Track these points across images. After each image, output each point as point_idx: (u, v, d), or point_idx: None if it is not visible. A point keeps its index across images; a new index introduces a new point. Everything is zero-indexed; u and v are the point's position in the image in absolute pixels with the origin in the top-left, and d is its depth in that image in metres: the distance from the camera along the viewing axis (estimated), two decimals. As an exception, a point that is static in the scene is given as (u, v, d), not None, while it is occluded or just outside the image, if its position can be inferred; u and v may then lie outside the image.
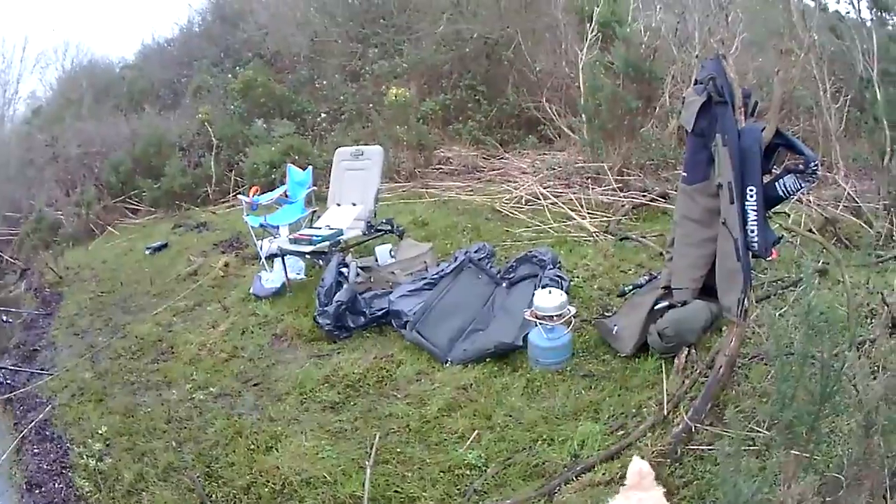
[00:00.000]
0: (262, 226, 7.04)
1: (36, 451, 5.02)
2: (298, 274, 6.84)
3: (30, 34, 20.03)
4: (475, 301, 5.51)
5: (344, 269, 5.93)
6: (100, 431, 4.85)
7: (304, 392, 4.89)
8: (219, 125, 12.20)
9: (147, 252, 9.23)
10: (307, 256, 6.52)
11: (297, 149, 10.52)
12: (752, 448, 3.26)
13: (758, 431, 3.38)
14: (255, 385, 5.17)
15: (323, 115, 12.14)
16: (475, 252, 5.94)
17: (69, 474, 4.61)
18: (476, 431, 4.12)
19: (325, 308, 5.60)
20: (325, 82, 12.74)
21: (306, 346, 5.63)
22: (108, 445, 4.73)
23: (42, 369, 6.42)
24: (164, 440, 4.64)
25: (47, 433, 5.20)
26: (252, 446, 4.33)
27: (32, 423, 5.34)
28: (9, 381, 6.38)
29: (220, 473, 4.17)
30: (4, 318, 8.83)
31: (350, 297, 5.62)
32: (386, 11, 12.90)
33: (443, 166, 10.32)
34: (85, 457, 4.61)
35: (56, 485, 4.57)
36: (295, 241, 6.40)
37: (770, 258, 4.38)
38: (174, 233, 9.94)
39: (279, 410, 4.72)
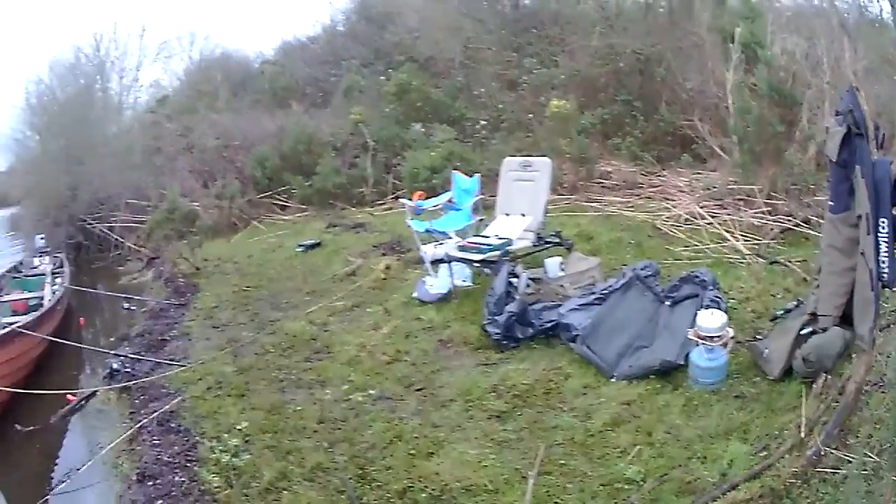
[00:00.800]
0: (427, 231, 7.08)
1: (156, 441, 4.84)
2: (465, 281, 6.85)
3: (147, 23, 20.22)
4: (641, 318, 5.47)
5: (514, 280, 5.90)
6: (239, 427, 4.72)
7: (469, 399, 4.84)
8: (373, 127, 12.26)
9: (298, 249, 9.35)
10: (475, 264, 6.51)
11: (459, 155, 10.58)
12: (865, 472, 3.27)
13: (870, 457, 3.37)
14: (418, 390, 5.12)
15: (482, 122, 12.07)
16: (642, 269, 5.95)
17: (195, 468, 4.41)
18: (637, 447, 4.10)
19: (496, 317, 5.63)
20: (483, 90, 12.72)
21: (473, 354, 5.59)
22: (247, 441, 4.57)
23: (172, 359, 6.26)
24: (313, 440, 4.55)
25: (172, 425, 5.02)
26: (412, 451, 4.28)
27: (155, 414, 5.17)
28: (128, 370, 6.24)
29: (374, 476, 4.10)
30: (126, 304, 8.91)
31: (521, 308, 5.64)
32: (537, 22, 12.95)
33: (603, 180, 10.27)
34: (217, 451, 4.47)
35: (176, 478, 4.36)
36: (464, 249, 6.42)
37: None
38: (328, 232, 10.03)
39: (443, 416, 4.68)
